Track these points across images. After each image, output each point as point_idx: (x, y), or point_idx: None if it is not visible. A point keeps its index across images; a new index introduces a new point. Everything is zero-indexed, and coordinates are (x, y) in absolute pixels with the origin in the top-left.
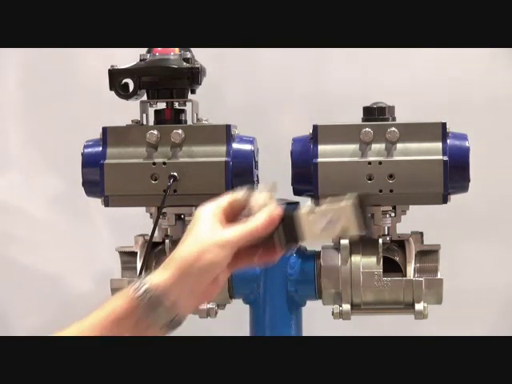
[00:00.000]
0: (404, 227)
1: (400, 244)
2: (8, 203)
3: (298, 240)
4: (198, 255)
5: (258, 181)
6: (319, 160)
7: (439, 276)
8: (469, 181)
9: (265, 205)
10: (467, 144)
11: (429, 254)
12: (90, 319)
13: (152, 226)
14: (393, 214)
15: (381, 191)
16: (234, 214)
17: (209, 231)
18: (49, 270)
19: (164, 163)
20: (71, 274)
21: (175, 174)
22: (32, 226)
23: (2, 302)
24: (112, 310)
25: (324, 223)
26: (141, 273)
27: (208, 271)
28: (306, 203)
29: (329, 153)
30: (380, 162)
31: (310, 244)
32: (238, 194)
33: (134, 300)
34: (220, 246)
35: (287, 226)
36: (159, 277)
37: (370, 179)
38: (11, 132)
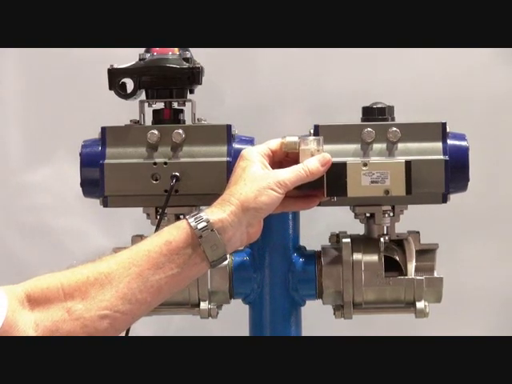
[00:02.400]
0: (403, 227)
1: (398, 243)
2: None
3: (342, 191)
4: (256, 194)
5: None
6: None
7: (436, 274)
8: (468, 180)
9: (314, 152)
10: (466, 144)
11: (425, 253)
12: (147, 244)
13: (149, 226)
14: (391, 214)
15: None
16: (279, 159)
17: (263, 172)
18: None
19: (165, 163)
20: None
21: (177, 174)
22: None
23: None
24: (172, 238)
25: (372, 178)
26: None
27: (264, 210)
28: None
29: (330, 152)
30: None
31: (353, 195)
32: (289, 139)
33: (194, 232)
34: (276, 186)
35: (335, 174)
36: (220, 213)
37: None
38: (11, 132)
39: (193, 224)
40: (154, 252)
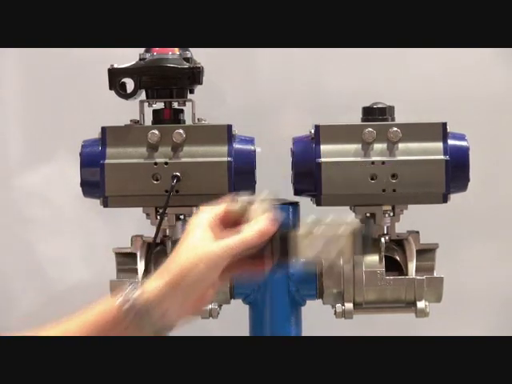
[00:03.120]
0: (403, 227)
1: (398, 243)
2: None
3: (290, 258)
4: (188, 270)
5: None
6: (322, 160)
7: (435, 274)
8: (468, 180)
9: (263, 215)
10: (466, 144)
11: (425, 253)
12: (76, 321)
13: (148, 226)
14: (392, 214)
15: (384, 191)
16: (230, 222)
17: (200, 245)
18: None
19: (166, 163)
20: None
21: (178, 174)
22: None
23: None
24: (101, 316)
25: (320, 246)
26: (143, 276)
27: (198, 285)
28: (306, 219)
29: (331, 153)
30: (383, 162)
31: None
32: (236, 204)
33: (122, 312)
34: (210, 261)
35: (282, 241)
36: (150, 289)
37: (372, 179)
38: (11, 132)
39: (121, 302)
40: (84, 328)
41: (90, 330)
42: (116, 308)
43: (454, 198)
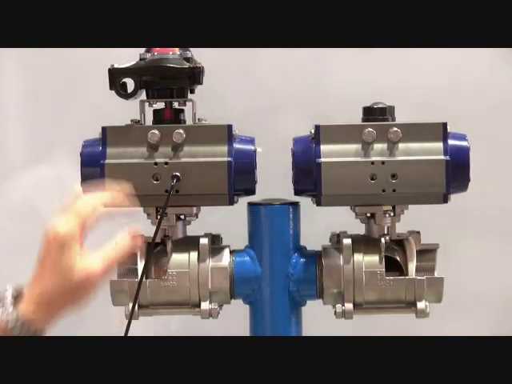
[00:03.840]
0: (404, 227)
1: (399, 243)
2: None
3: None
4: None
5: (256, 181)
6: (322, 160)
7: (436, 274)
8: (469, 180)
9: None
10: (467, 144)
11: (426, 253)
12: None
13: (149, 226)
14: (392, 214)
15: (384, 191)
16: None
17: (72, 264)
18: None
19: (166, 163)
20: None
21: (178, 174)
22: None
23: None
24: None
25: None
26: (142, 275)
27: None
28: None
29: (331, 153)
30: (383, 162)
31: None
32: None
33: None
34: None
35: None
36: (23, 311)
37: (372, 179)
38: (11, 132)
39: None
40: None
41: None
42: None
43: (455, 198)
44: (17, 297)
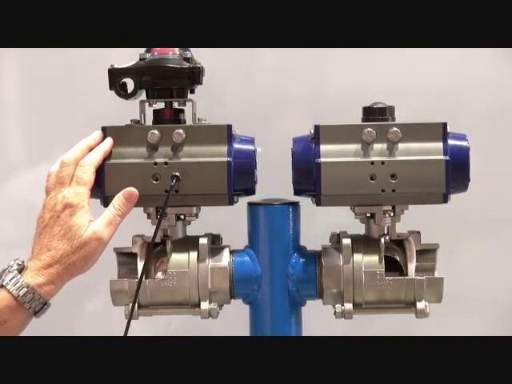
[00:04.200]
0: (404, 227)
1: (399, 243)
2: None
3: None
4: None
5: (256, 181)
6: (322, 160)
7: (436, 275)
8: (469, 180)
9: None
10: (467, 144)
11: (426, 253)
12: None
13: (149, 226)
14: (392, 214)
15: (383, 191)
16: None
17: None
18: None
19: (165, 163)
20: None
21: (177, 174)
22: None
23: None
24: None
25: None
26: (142, 275)
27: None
28: None
29: (331, 153)
30: (382, 162)
31: None
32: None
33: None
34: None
35: None
36: (31, 280)
37: (372, 179)
38: (10, 132)
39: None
40: None
41: None
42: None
43: (455, 197)
44: (21, 270)
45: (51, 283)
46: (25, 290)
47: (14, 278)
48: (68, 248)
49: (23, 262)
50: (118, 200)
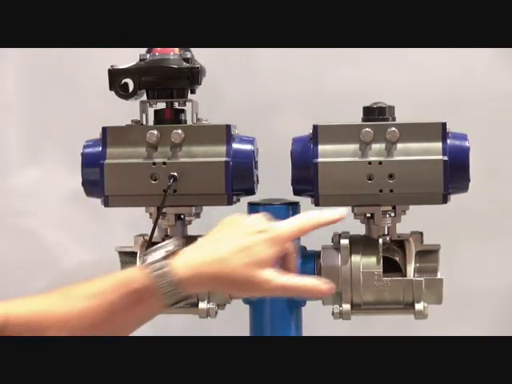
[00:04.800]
0: (404, 227)
1: (400, 244)
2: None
3: None
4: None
5: (257, 181)
6: (319, 160)
7: (439, 276)
8: (469, 181)
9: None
10: (467, 144)
11: (428, 254)
12: (103, 285)
13: (151, 226)
14: (392, 214)
15: (381, 191)
16: None
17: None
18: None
19: (164, 163)
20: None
21: (175, 174)
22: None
23: None
24: (131, 281)
25: None
26: None
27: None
28: None
29: (329, 153)
30: (380, 162)
31: None
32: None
33: (155, 285)
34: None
35: None
36: (184, 272)
37: (370, 179)
38: (10, 132)
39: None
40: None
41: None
42: (149, 280)
43: (455, 198)
44: (173, 253)
45: None
46: None
47: None
48: None
49: None
50: None
